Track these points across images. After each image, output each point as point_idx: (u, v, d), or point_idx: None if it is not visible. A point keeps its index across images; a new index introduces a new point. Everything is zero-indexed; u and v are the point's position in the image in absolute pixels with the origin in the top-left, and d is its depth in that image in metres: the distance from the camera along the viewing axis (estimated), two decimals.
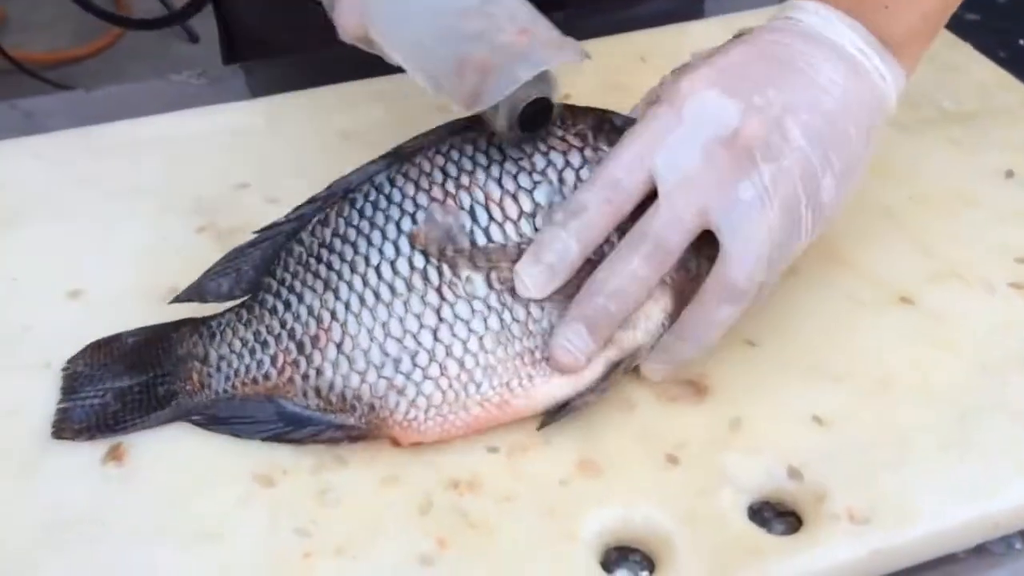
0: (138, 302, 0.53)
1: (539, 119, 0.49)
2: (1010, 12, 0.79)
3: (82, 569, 0.43)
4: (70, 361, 0.50)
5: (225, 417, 0.47)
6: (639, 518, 0.45)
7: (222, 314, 0.50)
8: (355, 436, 0.47)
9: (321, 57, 0.73)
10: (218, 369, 0.48)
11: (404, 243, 0.48)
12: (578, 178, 0.49)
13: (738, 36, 0.52)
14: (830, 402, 0.49)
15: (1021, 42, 0.76)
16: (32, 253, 0.57)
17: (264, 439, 0.47)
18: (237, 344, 0.48)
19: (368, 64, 0.69)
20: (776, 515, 0.46)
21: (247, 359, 0.48)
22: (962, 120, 0.66)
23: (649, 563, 0.44)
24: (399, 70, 0.71)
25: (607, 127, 0.51)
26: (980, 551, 0.45)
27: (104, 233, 0.58)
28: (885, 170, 0.60)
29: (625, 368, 0.48)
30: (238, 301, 0.50)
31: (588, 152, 0.49)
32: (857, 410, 0.49)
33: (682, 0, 0.79)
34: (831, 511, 0.44)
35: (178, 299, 0.50)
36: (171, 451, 0.47)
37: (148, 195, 0.60)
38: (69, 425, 0.47)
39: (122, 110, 0.68)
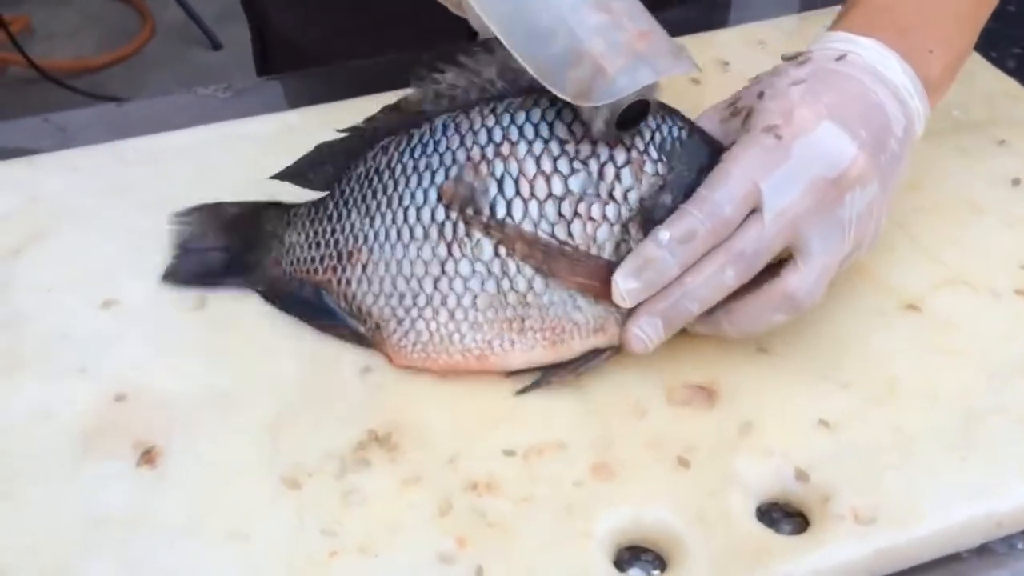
0: (168, 310, 0.56)
1: (635, 120, 0.49)
2: (1019, 21, 0.80)
3: (118, 569, 0.44)
4: (178, 216, 0.57)
5: (281, 292, 0.55)
6: (651, 519, 0.46)
7: (300, 206, 0.56)
8: (362, 342, 0.53)
9: (353, 68, 0.75)
10: (288, 252, 0.55)
11: (433, 194, 0.51)
12: (617, 177, 0.50)
13: (793, 58, 0.54)
14: (837, 406, 0.50)
15: None
16: (66, 264, 0.59)
17: (300, 318, 0.54)
18: (302, 237, 0.55)
19: (401, 75, 0.72)
20: (784, 515, 0.48)
21: (306, 251, 0.54)
22: (970, 129, 0.67)
23: (661, 562, 0.46)
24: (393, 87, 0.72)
25: (667, 136, 0.51)
26: (983, 551, 0.47)
27: (135, 244, 0.60)
28: None
29: (607, 356, 0.50)
30: (317, 197, 0.55)
31: (635, 154, 0.50)
32: (863, 414, 0.50)
33: (704, 9, 0.80)
34: (837, 512, 0.46)
35: (277, 176, 0.56)
36: (201, 455, 0.49)
37: (178, 206, 0.62)
38: (177, 274, 0.56)
39: (151, 123, 0.70)
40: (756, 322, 0.50)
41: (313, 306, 0.54)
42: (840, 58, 0.53)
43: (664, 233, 0.48)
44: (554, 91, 0.48)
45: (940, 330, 0.54)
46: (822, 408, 0.50)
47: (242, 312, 0.56)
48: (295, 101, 0.73)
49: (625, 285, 0.49)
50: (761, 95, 0.52)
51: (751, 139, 0.50)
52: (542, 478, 0.48)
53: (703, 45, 0.75)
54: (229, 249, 0.57)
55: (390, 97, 0.69)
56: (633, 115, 0.49)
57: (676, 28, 0.75)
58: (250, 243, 0.56)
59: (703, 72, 0.71)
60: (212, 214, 0.58)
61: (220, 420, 0.50)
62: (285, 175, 0.56)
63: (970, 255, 0.58)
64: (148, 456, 0.49)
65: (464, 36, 0.88)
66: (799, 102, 0.50)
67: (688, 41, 0.74)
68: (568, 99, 0.48)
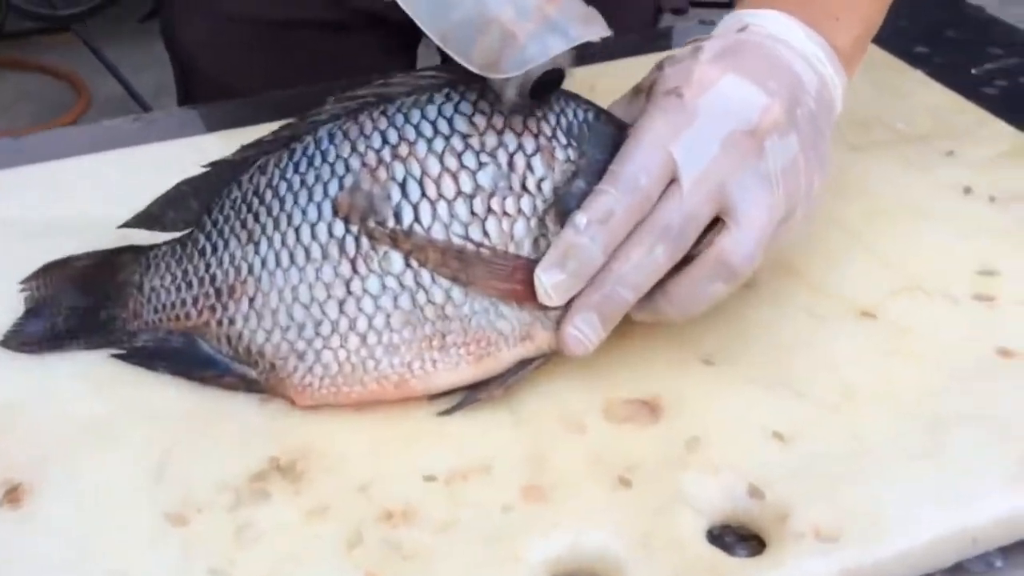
0: None
1: (548, 88, 0.46)
2: (960, 45, 0.79)
3: None
4: (25, 281, 0.51)
5: (145, 348, 0.48)
6: (589, 545, 0.41)
7: (160, 246, 0.49)
8: (254, 388, 0.46)
9: (271, 97, 0.71)
10: (148, 300, 0.48)
11: (327, 207, 0.45)
12: (528, 167, 0.46)
13: (693, 41, 0.51)
14: (791, 417, 0.46)
15: (973, 71, 0.75)
16: None
17: (172, 374, 0.47)
18: (168, 279, 0.48)
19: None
20: (738, 540, 0.43)
21: (173, 295, 0.48)
22: (916, 140, 0.65)
23: None
24: None
25: (573, 120, 0.47)
26: (958, 570, 0.42)
27: (10, 272, 0.55)
28: (841, 189, 0.58)
29: (538, 365, 0.46)
30: (178, 234, 0.49)
31: (543, 141, 0.46)
32: (820, 424, 0.46)
33: (635, 37, 0.78)
34: (796, 529, 0.41)
35: (126, 224, 0.50)
36: (74, 491, 0.43)
37: (71, 232, 0.57)
38: (17, 338, 0.49)
39: (57, 153, 0.65)
40: (696, 297, 0.46)
41: (187, 357, 0.47)
42: (741, 29, 0.50)
43: (581, 217, 0.44)
44: (461, 61, 0.44)
45: (897, 336, 0.50)
46: (775, 420, 0.46)
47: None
48: (211, 129, 0.69)
49: (549, 280, 0.44)
50: (660, 67, 0.49)
51: (654, 105, 0.47)
52: (466, 504, 0.42)
53: (641, 66, 0.72)
54: (77, 308, 0.49)
55: None
56: (547, 85, 0.45)
57: (616, 53, 0.75)
58: (102, 297, 0.49)
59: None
60: (59, 272, 0.51)
61: (97, 453, 0.44)
62: (137, 221, 0.49)
63: (925, 262, 0.55)
64: (12, 495, 0.43)
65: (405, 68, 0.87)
66: (699, 63, 0.47)
67: (627, 63, 0.73)
68: (476, 70, 0.44)
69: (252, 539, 0.41)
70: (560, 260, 0.45)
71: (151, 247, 0.50)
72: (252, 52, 0.78)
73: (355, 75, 0.76)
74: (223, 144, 0.65)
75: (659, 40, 0.79)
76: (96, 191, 0.61)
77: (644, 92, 0.49)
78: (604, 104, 0.51)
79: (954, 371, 0.48)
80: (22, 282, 0.51)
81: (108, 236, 0.56)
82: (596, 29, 0.45)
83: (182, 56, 0.84)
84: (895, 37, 0.76)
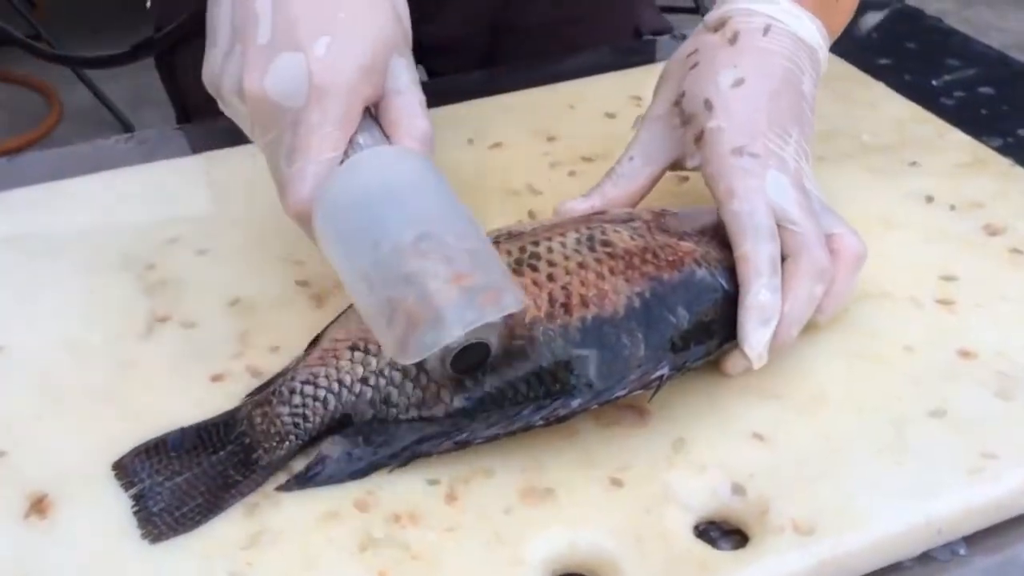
0: (66, 355, 0.52)
1: (473, 362, 0.45)
2: (921, 56, 0.83)
3: None
4: (123, 481, 0.46)
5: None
6: (585, 542, 0.44)
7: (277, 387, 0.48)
8: None
9: None
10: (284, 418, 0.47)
11: None
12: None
13: (718, 29, 0.55)
14: (769, 419, 0.49)
15: (934, 82, 0.79)
16: None
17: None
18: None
19: None
20: (722, 534, 0.46)
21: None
22: (881, 151, 0.68)
23: None
24: None
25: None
26: (925, 559, 0.45)
27: (29, 292, 0.57)
28: None
29: None
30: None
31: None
32: (796, 425, 0.49)
33: (614, 55, 0.81)
34: (776, 523, 0.44)
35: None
36: (96, 502, 0.45)
37: (73, 253, 0.59)
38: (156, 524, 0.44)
39: (47, 175, 0.67)
40: (843, 299, 0.52)
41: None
42: (766, 31, 0.54)
43: (758, 276, 0.49)
44: (381, 345, 0.45)
45: (865, 340, 0.53)
46: (754, 421, 0.49)
47: (141, 357, 0.53)
48: (200, 149, 0.71)
49: (762, 341, 0.49)
50: (709, 105, 0.53)
51: (732, 167, 0.51)
52: (469, 506, 0.45)
53: (619, 82, 0.76)
54: (206, 471, 0.46)
55: None
56: (475, 357, 0.45)
57: (580, 72, 0.78)
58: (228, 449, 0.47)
59: (618, 107, 0.72)
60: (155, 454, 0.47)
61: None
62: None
63: (890, 269, 0.58)
64: (38, 506, 0.45)
65: None
66: (747, 117, 0.52)
67: (604, 79, 0.76)
68: (391, 356, 0.45)
69: (268, 543, 0.43)
70: (763, 320, 0.48)
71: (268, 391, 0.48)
72: None
73: None
74: (212, 165, 0.68)
75: (636, 56, 0.82)
76: (90, 212, 0.63)
77: (691, 126, 0.54)
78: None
79: (918, 372, 0.52)
80: (122, 482, 0.46)
81: (105, 257, 0.59)
82: (503, 305, 0.43)
83: (181, 87, 0.85)
84: (858, 50, 0.80)
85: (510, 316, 0.45)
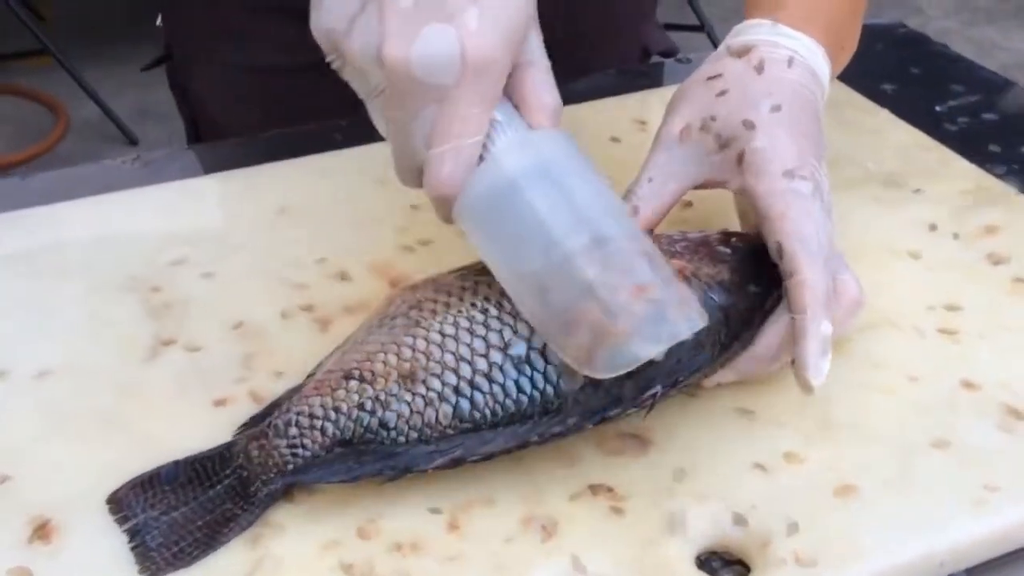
0: (69, 378, 0.52)
1: (634, 370, 0.44)
2: (924, 82, 0.83)
3: None
4: (118, 516, 0.46)
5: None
6: (586, 572, 0.44)
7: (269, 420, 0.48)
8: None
9: (267, 137, 0.74)
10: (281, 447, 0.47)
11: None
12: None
13: (743, 54, 0.56)
14: (772, 448, 0.49)
15: (937, 108, 0.79)
16: None
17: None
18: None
19: (313, 142, 0.71)
20: (724, 564, 0.46)
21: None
22: (885, 179, 0.68)
23: None
24: (338, 146, 0.72)
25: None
26: None
27: (33, 314, 0.57)
28: None
29: None
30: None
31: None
32: (798, 455, 0.49)
33: (618, 78, 0.81)
34: (777, 555, 0.44)
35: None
36: (100, 527, 0.45)
37: (79, 275, 0.60)
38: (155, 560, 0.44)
39: (56, 195, 0.67)
40: (840, 334, 0.52)
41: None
42: (790, 63, 0.55)
43: (814, 310, 0.48)
44: (558, 352, 0.45)
45: (869, 369, 0.53)
46: (756, 451, 0.49)
47: (145, 380, 0.53)
48: (207, 170, 0.71)
49: (824, 369, 0.48)
50: (750, 125, 0.53)
51: (785, 189, 0.51)
52: (471, 535, 0.45)
53: (623, 106, 0.76)
54: (203, 504, 0.46)
55: (306, 161, 0.69)
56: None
57: (599, 92, 0.78)
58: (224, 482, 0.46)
59: (622, 131, 0.73)
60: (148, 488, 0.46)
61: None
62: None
63: (893, 298, 0.58)
64: (41, 532, 0.45)
65: None
66: (789, 140, 0.52)
67: (608, 103, 0.76)
68: (574, 365, 0.44)
69: (270, 571, 0.44)
70: (824, 350, 0.48)
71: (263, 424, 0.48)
72: (264, 99, 0.80)
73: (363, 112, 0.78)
74: (219, 187, 0.68)
75: (641, 79, 0.82)
76: (96, 233, 0.63)
77: (730, 147, 0.53)
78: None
79: (922, 403, 0.52)
80: (117, 518, 0.46)
81: (110, 279, 0.59)
82: (691, 321, 0.44)
83: (193, 105, 0.85)
84: (862, 75, 0.80)
85: None
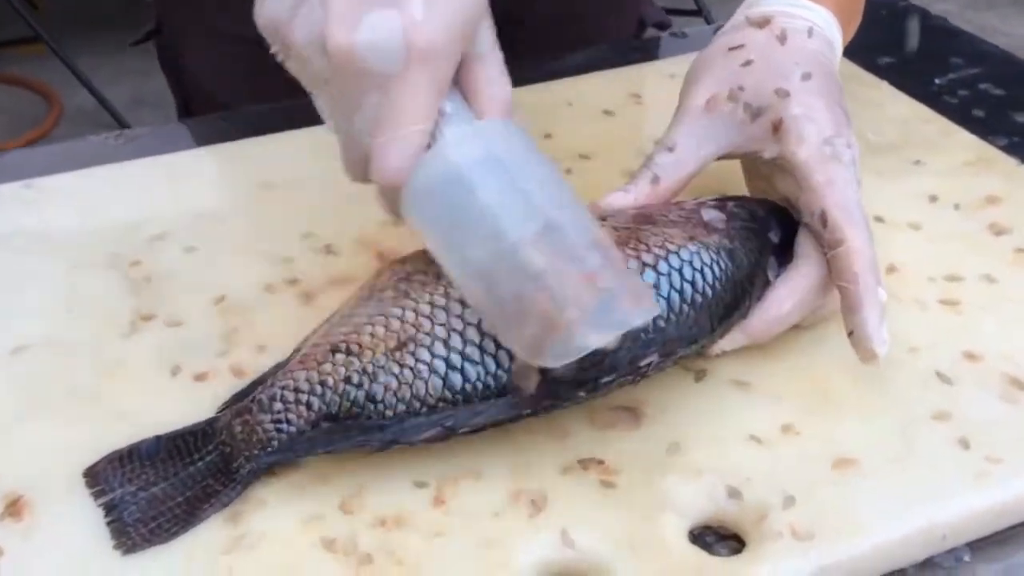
0: (48, 353, 0.51)
1: (587, 367, 0.44)
2: (924, 56, 0.81)
3: None
4: (94, 489, 0.44)
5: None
6: (577, 548, 0.43)
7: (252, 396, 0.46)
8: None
9: (253, 112, 0.72)
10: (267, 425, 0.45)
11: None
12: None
13: (762, 24, 0.55)
14: (768, 421, 0.48)
15: (937, 81, 0.77)
16: None
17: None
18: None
19: (300, 116, 0.69)
20: (718, 539, 0.44)
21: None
22: (885, 151, 0.67)
23: None
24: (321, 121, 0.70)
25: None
26: (928, 565, 0.44)
27: (12, 289, 0.56)
28: None
29: None
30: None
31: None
32: (795, 427, 0.47)
33: (612, 52, 0.80)
34: (773, 529, 0.43)
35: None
36: (74, 504, 0.44)
37: (58, 250, 0.58)
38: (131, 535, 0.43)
39: (38, 171, 0.66)
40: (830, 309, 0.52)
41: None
42: (810, 33, 0.55)
43: (871, 276, 0.49)
44: (507, 344, 0.43)
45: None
46: (752, 424, 0.48)
47: (124, 355, 0.51)
48: (193, 145, 0.70)
49: (885, 336, 0.48)
50: (783, 93, 0.52)
51: (826, 156, 0.51)
52: (457, 510, 0.44)
53: (617, 79, 0.74)
54: (182, 479, 0.45)
55: (292, 135, 0.67)
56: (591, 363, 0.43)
57: (594, 66, 0.77)
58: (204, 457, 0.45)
59: (616, 105, 0.71)
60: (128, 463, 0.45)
61: None
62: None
63: (895, 269, 0.57)
64: (13, 508, 0.44)
65: None
66: (824, 108, 0.52)
67: (602, 76, 0.75)
68: (524, 357, 0.43)
69: (249, 547, 0.42)
70: (880, 319, 0.48)
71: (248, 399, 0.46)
72: (254, 71, 0.78)
73: None
74: (201, 162, 0.67)
75: (635, 53, 0.80)
76: (77, 208, 0.62)
77: (762, 116, 0.53)
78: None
79: (923, 375, 0.50)
80: (94, 492, 0.45)
81: (90, 253, 0.58)
82: (643, 309, 0.42)
83: (184, 79, 0.84)
84: (861, 49, 0.78)
85: None
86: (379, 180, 0.44)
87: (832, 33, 0.56)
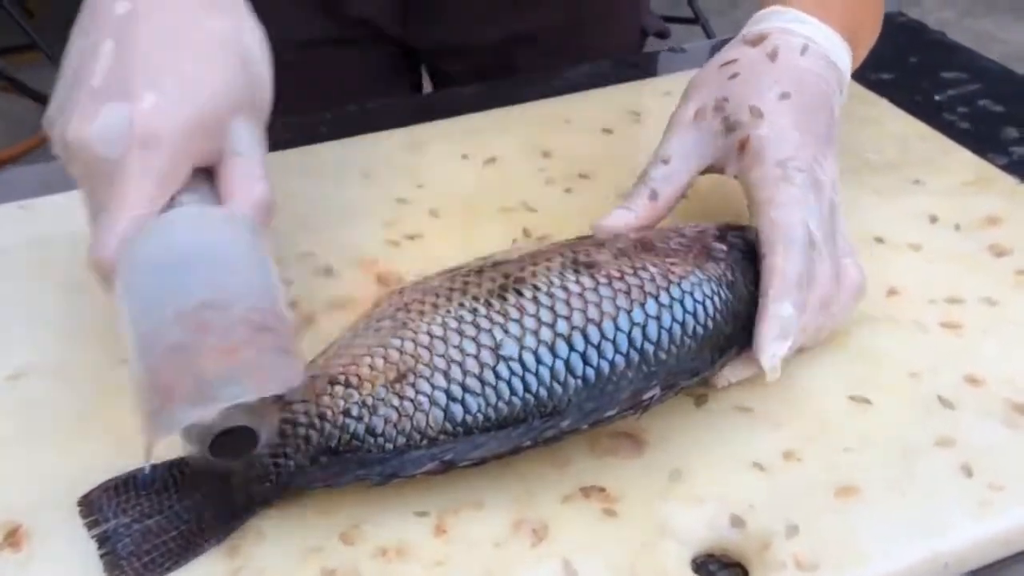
0: (47, 378, 0.51)
1: (240, 446, 0.41)
2: (923, 71, 0.81)
3: None
4: (88, 520, 0.44)
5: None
6: None
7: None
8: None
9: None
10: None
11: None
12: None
13: (757, 43, 0.55)
14: (770, 448, 0.48)
15: (936, 97, 0.77)
16: None
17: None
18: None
19: (297, 134, 0.69)
20: (721, 567, 0.44)
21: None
22: (885, 170, 0.67)
23: None
24: (323, 138, 0.70)
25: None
26: None
27: (11, 312, 0.55)
28: None
29: None
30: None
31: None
32: (796, 454, 0.47)
33: (611, 68, 0.80)
34: (777, 559, 0.43)
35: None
36: (73, 534, 0.44)
37: (57, 271, 0.58)
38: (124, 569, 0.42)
39: (35, 190, 0.65)
40: (830, 331, 0.52)
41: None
42: (804, 51, 0.55)
43: (783, 292, 0.48)
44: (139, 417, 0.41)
45: (869, 366, 0.52)
46: (754, 451, 0.47)
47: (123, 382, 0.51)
48: None
49: (779, 352, 0.47)
50: (757, 112, 0.52)
51: (776, 176, 0.51)
52: (458, 540, 0.44)
53: (616, 96, 0.74)
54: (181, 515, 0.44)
55: (288, 154, 0.67)
56: (234, 443, 0.41)
57: (592, 83, 0.77)
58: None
59: (615, 123, 0.71)
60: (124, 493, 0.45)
61: None
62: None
63: (895, 291, 0.56)
64: (12, 539, 0.43)
65: (408, 89, 0.89)
66: (792, 130, 0.52)
67: (601, 93, 0.75)
68: (142, 428, 0.40)
69: None
70: (782, 333, 0.47)
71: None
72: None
73: (363, 92, 0.77)
74: None
75: (633, 70, 0.80)
76: (77, 228, 0.61)
77: (735, 132, 0.53)
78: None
79: (924, 400, 0.50)
80: (90, 526, 0.44)
81: (83, 280, 0.57)
82: (269, 385, 0.40)
83: None
84: (860, 65, 0.78)
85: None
86: (92, 262, 0.45)
87: (834, 49, 0.56)
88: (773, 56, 0.55)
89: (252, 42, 0.48)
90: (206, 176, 0.47)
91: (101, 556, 0.43)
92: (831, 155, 0.53)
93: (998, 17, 2.73)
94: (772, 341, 0.47)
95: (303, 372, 0.42)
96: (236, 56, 0.47)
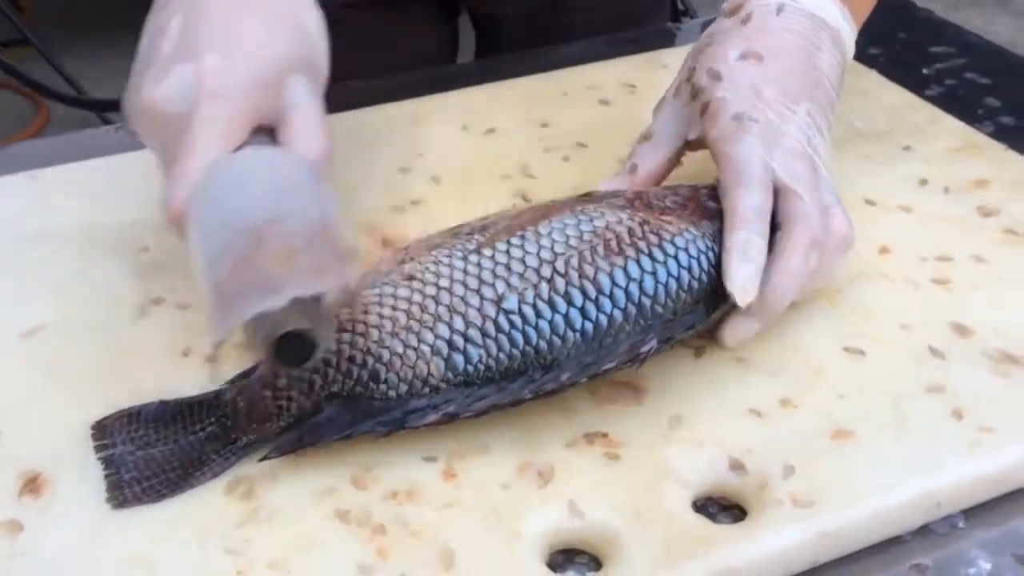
0: (59, 338, 0.52)
1: (302, 352, 0.42)
2: (911, 46, 0.83)
3: None
4: (98, 443, 0.46)
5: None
6: (584, 518, 0.44)
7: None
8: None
9: None
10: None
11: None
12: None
13: (734, 12, 0.56)
14: (767, 395, 0.49)
15: (924, 71, 0.79)
16: None
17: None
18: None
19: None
20: (720, 509, 0.45)
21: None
22: (874, 137, 0.68)
23: (596, 564, 0.43)
24: (326, 110, 0.71)
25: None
26: (924, 532, 0.45)
27: (21, 277, 0.56)
28: None
29: None
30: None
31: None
32: (793, 401, 0.49)
33: (608, 43, 0.82)
34: (774, 497, 0.44)
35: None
36: (89, 479, 0.45)
37: (66, 237, 0.59)
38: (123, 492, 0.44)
39: (40, 163, 0.66)
40: (824, 279, 0.53)
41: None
42: (779, 11, 0.55)
43: (743, 214, 0.49)
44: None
45: (861, 319, 0.53)
46: (751, 398, 0.49)
47: (134, 337, 0.52)
48: None
49: (745, 274, 0.48)
50: (715, 75, 0.53)
51: (731, 131, 0.51)
52: (466, 483, 0.45)
53: (612, 69, 0.76)
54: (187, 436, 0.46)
55: None
56: (295, 349, 0.42)
57: (591, 56, 0.78)
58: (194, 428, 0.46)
59: (612, 93, 0.72)
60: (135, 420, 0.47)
61: None
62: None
63: (887, 250, 0.58)
64: (32, 485, 0.44)
65: (448, 60, 0.90)
66: (751, 87, 0.52)
67: (597, 67, 0.76)
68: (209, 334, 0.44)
69: (265, 519, 0.43)
70: (744, 258, 0.48)
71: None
72: None
73: (399, 47, 0.78)
74: None
75: (629, 45, 0.81)
76: (83, 196, 0.62)
77: (699, 99, 0.54)
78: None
79: (915, 350, 0.51)
80: (98, 447, 0.46)
81: (98, 240, 0.59)
82: (327, 280, 0.43)
83: None
84: None
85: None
86: (167, 209, 0.47)
87: (816, 5, 0.56)
88: (746, 20, 0.56)
89: (310, 20, 0.51)
90: (269, 136, 0.49)
91: (105, 477, 0.44)
92: (815, 106, 0.54)
93: (983, 10, 2.76)
94: (737, 268, 0.48)
95: (356, 275, 0.45)
96: (296, 26, 0.50)
